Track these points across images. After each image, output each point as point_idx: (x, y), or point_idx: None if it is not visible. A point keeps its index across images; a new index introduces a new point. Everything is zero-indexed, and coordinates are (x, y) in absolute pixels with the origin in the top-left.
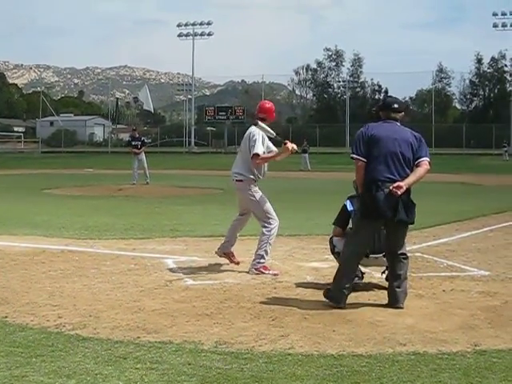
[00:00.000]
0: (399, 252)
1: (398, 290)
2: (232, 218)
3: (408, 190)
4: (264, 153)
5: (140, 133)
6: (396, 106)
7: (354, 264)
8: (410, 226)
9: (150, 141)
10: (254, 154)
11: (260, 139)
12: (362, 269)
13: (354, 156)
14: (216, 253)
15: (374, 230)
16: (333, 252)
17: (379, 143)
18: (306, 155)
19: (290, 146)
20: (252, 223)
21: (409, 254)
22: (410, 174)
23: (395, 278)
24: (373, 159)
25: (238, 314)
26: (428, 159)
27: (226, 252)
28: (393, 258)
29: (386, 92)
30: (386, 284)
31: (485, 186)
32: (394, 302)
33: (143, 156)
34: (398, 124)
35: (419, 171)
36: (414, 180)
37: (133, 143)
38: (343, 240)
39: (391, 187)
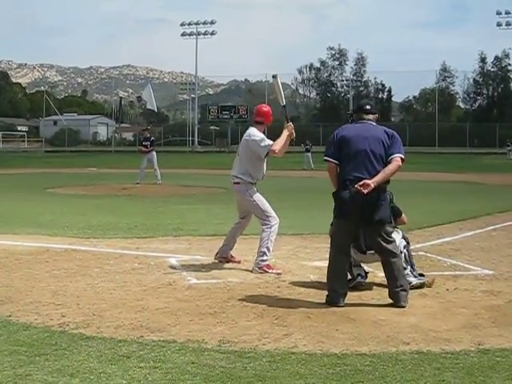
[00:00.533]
0: (387, 248)
1: (396, 290)
2: (235, 217)
3: (378, 189)
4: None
5: (151, 133)
6: (368, 107)
7: (339, 264)
8: (413, 225)
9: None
10: (271, 151)
11: (267, 140)
12: (366, 268)
13: (326, 158)
14: (215, 258)
15: (348, 229)
16: None
17: (349, 143)
18: (309, 154)
19: (291, 127)
20: (255, 222)
21: (412, 253)
22: (380, 169)
23: (390, 278)
24: (344, 160)
25: (242, 312)
26: (400, 155)
27: (224, 256)
28: (382, 258)
29: (390, 91)
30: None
31: (488, 185)
32: (395, 302)
33: (153, 156)
34: (373, 124)
35: (389, 168)
36: (383, 177)
37: (143, 143)
38: None
39: (356, 185)
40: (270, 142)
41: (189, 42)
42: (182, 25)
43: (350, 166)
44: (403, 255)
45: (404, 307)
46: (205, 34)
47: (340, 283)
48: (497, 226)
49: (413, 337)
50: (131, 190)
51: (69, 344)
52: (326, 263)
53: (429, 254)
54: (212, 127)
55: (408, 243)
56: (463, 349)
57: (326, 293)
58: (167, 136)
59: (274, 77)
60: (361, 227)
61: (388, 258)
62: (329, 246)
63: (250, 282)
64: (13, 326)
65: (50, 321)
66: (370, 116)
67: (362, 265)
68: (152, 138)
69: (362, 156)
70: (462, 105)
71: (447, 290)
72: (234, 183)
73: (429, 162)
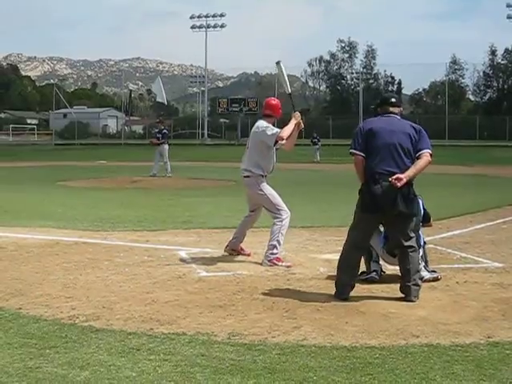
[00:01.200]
0: (405, 245)
1: (408, 284)
2: (245, 210)
3: (408, 183)
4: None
5: (164, 125)
6: (393, 100)
7: (352, 258)
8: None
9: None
10: (278, 137)
11: (275, 129)
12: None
13: (352, 151)
14: (225, 251)
15: (373, 224)
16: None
17: (376, 136)
18: (317, 147)
19: (298, 115)
20: (265, 215)
21: (421, 242)
22: (409, 165)
23: (405, 272)
24: (371, 153)
25: (251, 305)
26: (429, 151)
27: (234, 249)
28: (400, 251)
29: (400, 83)
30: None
31: (498, 177)
32: (406, 296)
33: (164, 149)
34: (398, 117)
35: (419, 163)
36: (414, 172)
37: (157, 135)
38: (377, 232)
39: (391, 179)
40: (278, 130)
41: (198, 35)
42: (192, 17)
43: (378, 159)
44: (421, 250)
45: (414, 302)
46: (214, 26)
47: (349, 277)
48: (507, 219)
49: (422, 330)
50: (141, 182)
51: (79, 336)
52: (336, 256)
53: (439, 247)
54: (222, 120)
55: (425, 242)
56: (473, 341)
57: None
58: (177, 129)
59: (278, 63)
60: (388, 221)
61: (406, 252)
62: (338, 238)
63: (260, 274)
64: (23, 318)
65: (60, 313)
66: (396, 109)
67: (381, 262)
68: (164, 131)
69: (390, 149)
70: (471, 97)
71: (457, 282)
72: (244, 177)
73: (438, 154)
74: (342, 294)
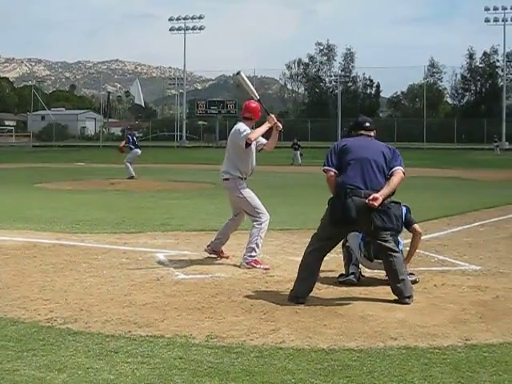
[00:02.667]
0: (387, 246)
1: (398, 285)
2: (223, 212)
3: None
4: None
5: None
6: (368, 124)
7: (313, 261)
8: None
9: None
10: (247, 139)
11: (248, 130)
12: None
13: (325, 168)
14: (205, 250)
15: (339, 234)
16: (343, 245)
17: (349, 152)
18: (298, 152)
19: (272, 118)
20: (248, 218)
21: (400, 247)
22: (382, 181)
23: (392, 274)
24: (344, 167)
25: (230, 308)
26: (402, 168)
27: (215, 250)
28: (383, 254)
29: (378, 86)
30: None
31: (476, 180)
32: (400, 298)
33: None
34: (372, 138)
35: (393, 180)
36: (389, 190)
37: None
38: (356, 236)
39: (367, 200)
40: (248, 132)
41: (177, 37)
42: (171, 20)
43: (351, 172)
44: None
45: (409, 300)
46: (193, 28)
47: (310, 282)
48: (484, 222)
49: (400, 332)
50: (119, 185)
51: (56, 339)
52: None
53: (416, 250)
54: (200, 122)
55: (401, 245)
56: (450, 344)
57: (314, 288)
58: (155, 131)
59: (238, 73)
60: (365, 232)
61: (388, 256)
62: None
63: (238, 277)
64: (0, 321)
65: (37, 316)
66: (370, 133)
67: (359, 268)
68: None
69: (363, 163)
70: (449, 100)
71: (435, 285)
72: (224, 179)
73: (417, 157)
74: (301, 298)
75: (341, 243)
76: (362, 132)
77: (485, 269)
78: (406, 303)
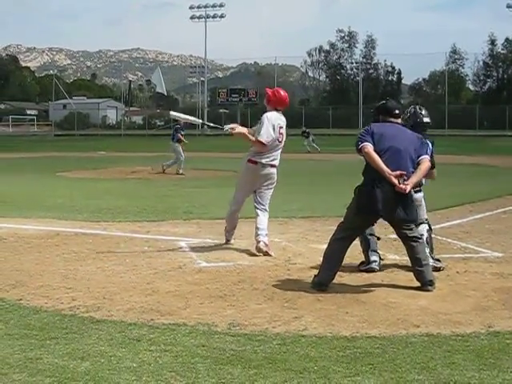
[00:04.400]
0: (410, 235)
1: (421, 269)
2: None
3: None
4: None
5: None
6: (397, 111)
7: (335, 252)
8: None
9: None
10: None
11: (267, 125)
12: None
13: (363, 144)
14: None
15: (364, 223)
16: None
17: (382, 139)
18: (310, 139)
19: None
20: (248, 204)
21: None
22: (411, 170)
23: (415, 261)
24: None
25: (252, 295)
26: (428, 157)
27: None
28: (406, 242)
29: (399, 73)
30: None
31: (498, 167)
32: (423, 284)
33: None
34: (400, 126)
35: (421, 169)
36: (417, 179)
37: (182, 133)
38: None
39: (398, 186)
40: (263, 139)
41: (198, 25)
42: (191, 8)
43: (384, 163)
44: (424, 237)
45: (431, 287)
46: (214, 16)
47: (334, 271)
48: (506, 209)
49: (423, 319)
50: (141, 173)
51: (79, 327)
52: None
53: (439, 237)
54: (221, 110)
55: (430, 228)
56: (473, 331)
57: (336, 275)
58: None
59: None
60: (388, 220)
61: (411, 243)
62: None
63: (260, 264)
64: (23, 309)
65: (60, 304)
66: (398, 120)
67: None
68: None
69: (395, 154)
70: (471, 87)
71: (457, 272)
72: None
73: (438, 144)
74: (324, 285)
75: None
76: (391, 119)
77: (507, 255)
78: (428, 290)
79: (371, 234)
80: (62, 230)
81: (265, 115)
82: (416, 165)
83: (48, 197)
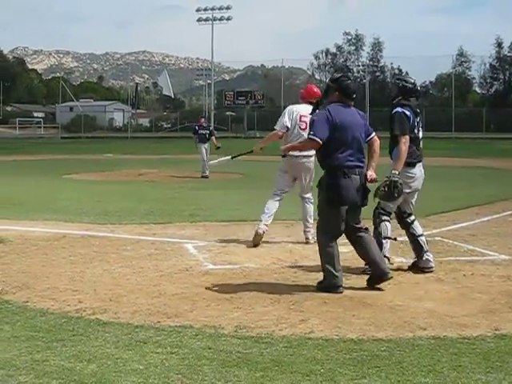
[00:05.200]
0: (358, 226)
1: (375, 259)
2: (252, 203)
3: (365, 176)
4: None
5: (206, 121)
6: (355, 96)
7: (335, 249)
8: (430, 211)
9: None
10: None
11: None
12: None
13: (313, 137)
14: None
15: (341, 213)
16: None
17: (345, 130)
18: None
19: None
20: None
21: (428, 239)
22: (363, 155)
23: (365, 253)
24: (337, 145)
25: (258, 298)
26: (374, 134)
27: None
28: (355, 235)
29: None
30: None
31: (505, 170)
32: (378, 274)
33: (208, 147)
34: (352, 108)
35: (377, 153)
36: (377, 163)
37: (200, 132)
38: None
39: (369, 178)
40: (277, 126)
41: (205, 28)
42: (198, 10)
43: (347, 152)
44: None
45: (388, 275)
46: (220, 19)
47: (338, 266)
48: None
49: (429, 322)
50: (147, 175)
51: (86, 330)
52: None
53: (445, 240)
54: (228, 113)
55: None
56: (480, 334)
57: (344, 278)
58: (183, 122)
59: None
60: (348, 210)
61: (359, 235)
62: None
63: (267, 267)
64: (30, 311)
65: (66, 306)
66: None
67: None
68: (211, 128)
69: (353, 143)
70: (478, 90)
71: (464, 275)
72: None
73: (445, 147)
74: (336, 286)
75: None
76: (348, 102)
77: None
78: (386, 275)
79: (386, 238)
80: (69, 233)
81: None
82: (368, 145)
83: (54, 199)
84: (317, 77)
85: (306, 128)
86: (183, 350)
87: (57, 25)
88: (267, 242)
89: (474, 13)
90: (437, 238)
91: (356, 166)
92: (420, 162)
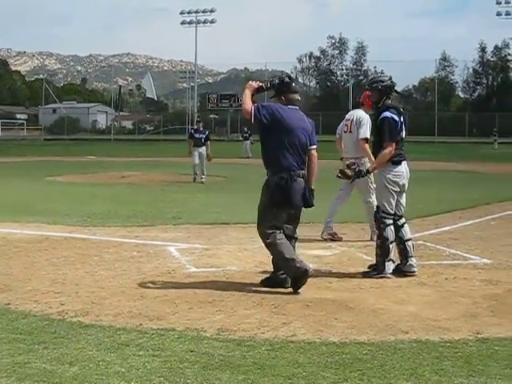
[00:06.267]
0: (295, 236)
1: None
2: (234, 205)
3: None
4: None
5: (205, 125)
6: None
7: (283, 242)
8: (412, 215)
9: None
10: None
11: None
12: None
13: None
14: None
15: (285, 213)
16: (379, 237)
17: (292, 133)
18: (248, 142)
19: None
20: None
21: (413, 242)
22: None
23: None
24: (283, 148)
25: (241, 301)
26: (316, 146)
27: (329, 233)
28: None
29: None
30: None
31: (488, 174)
32: (280, 281)
33: (204, 151)
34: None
35: (315, 165)
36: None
37: (196, 136)
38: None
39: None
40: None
41: (188, 31)
42: (182, 13)
43: (293, 156)
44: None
45: (286, 284)
46: (204, 22)
47: (295, 255)
48: (496, 216)
49: (411, 326)
50: (130, 178)
51: (68, 332)
52: (325, 252)
53: (428, 243)
54: (211, 116)
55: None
56: (462, 338)
57: (324, 281)
58: (166, 124)
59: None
60: (291, 213)
61: (295, 244)
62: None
63: (249, 270)
64: (12, 314)
65: (48, 309)
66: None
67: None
68: (207, 132)
69: (298, 148)
70: (461, 94)
71: (446, 279)
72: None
73: (428, 151)
74: (305, 267)
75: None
76: (294, 97)
77: (496, 262)
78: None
79: (392, 242)
80: (51, 235)
81: None
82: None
83: (37, 201)
84: (300, 80)
85: (347, 131)
86: (165, 352)
87: (41, 27)
88: (250, 245)
89: (459, 17)
90: (419, 242)
91: (301, 169)
92: (405, 159)
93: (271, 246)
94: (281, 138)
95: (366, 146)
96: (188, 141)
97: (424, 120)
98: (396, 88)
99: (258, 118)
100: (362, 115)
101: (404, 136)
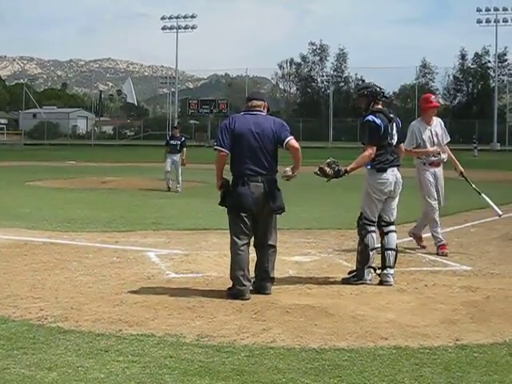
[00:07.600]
0: (269, 243)
1: (268, 280)
2: (214, 211)
3: (274, 180)
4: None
5: (181, 132)
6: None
7: (240, 256)
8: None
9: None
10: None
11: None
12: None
13: (218, 147)
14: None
15: (247, 219)
16: (360, 243)
17: (241, 139)
18: None
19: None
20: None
21: (397, 253)
22: (273, 163)
23: (263, 272)
24: (236, 155)
25: (220, 307)
26: (292, 137)
27: (414, 233)
28: (262, 249)
29: None
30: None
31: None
32: (264, 290)
33: (179, 158)
34: (262, 114)
35: (297, 157)
36: (298, 169)
37: (171, 142)
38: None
39: (283, 173)
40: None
41: (169, 36)
42: (163, 18)
43: (247, 160)
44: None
45: (270, 294)
46: (185, 28)
47: (248, 273)
48: (475, 223)
49: (391, 332)
50: (110, 183)
51: (47, 338)
52: (305, 258)
53: (407, 250)
54: (192, 121)
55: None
56: (441, 344)
57: (304, 287)
58: (147, 130)
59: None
60: (257, 219)
61: (267, 252)
62: (307, 240)
63: (229, 276)
64: None
65: (28, 314)
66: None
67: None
68: (183, 139)
69: (256, 152)
70: (441, 101)
71: (426, 285)
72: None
73: (408, 157)
74: (243, 294)
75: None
76: (257, 109)
77: (476, 269)
78: (268, 293)
79: (373, 249)
80: (31, 240)
81: None
82: (287, 148)
83: (17, 206)
84: (281, 86)
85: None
86: (145, 358)
87: (21, 31)
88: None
89: (439, 24)
90: (399, 249)
91: (258, 174)
92: (393, 166)
93: (231, 255)
94: (233, 146)
95: (410, 151)
96: (165, 147)
97: (404, 127)
98: (385, 96)
99: (226, 146)
100: (411, 124)
101: (394, 142)
